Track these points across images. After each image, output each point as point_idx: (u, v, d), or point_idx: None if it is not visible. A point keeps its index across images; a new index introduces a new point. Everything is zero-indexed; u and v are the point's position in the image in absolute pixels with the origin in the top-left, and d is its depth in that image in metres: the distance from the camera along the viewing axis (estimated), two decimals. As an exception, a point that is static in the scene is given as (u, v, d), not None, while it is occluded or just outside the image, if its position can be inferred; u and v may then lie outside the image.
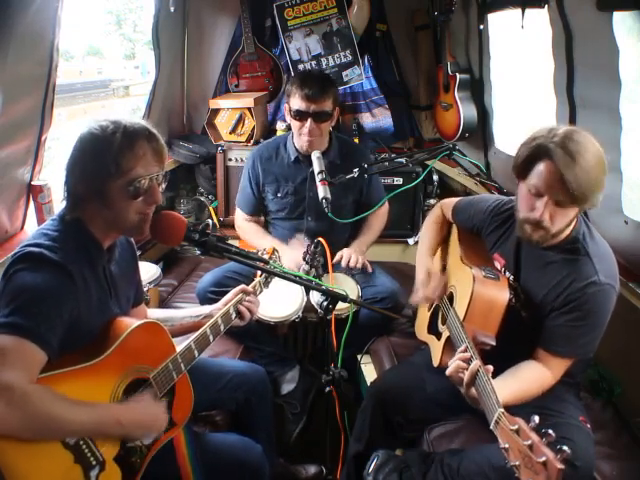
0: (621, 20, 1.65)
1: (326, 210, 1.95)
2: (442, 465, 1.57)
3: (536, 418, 1.08)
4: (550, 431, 1.04)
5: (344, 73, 3.32)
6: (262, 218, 2.66)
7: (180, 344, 1.50)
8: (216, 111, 3.20)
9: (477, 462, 1.51)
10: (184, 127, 3.43)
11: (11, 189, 1.98)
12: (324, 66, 3.30)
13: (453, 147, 2.14)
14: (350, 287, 2.24)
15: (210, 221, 3.15)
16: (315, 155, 2.14)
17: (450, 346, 1.61)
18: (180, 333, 1.68)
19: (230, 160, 3.15)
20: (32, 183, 2.09)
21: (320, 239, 1.87)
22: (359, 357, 2.33)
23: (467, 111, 2.85)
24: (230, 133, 3.21)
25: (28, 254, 1.24)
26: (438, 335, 1.76)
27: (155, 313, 1.76)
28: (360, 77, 3.34)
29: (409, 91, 3.43)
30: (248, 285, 1.78)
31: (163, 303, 2.55)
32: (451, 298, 1.73)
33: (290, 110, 2.37)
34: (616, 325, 1.51)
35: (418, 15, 3.24)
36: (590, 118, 1.92)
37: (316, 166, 2.08)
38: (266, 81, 3.37)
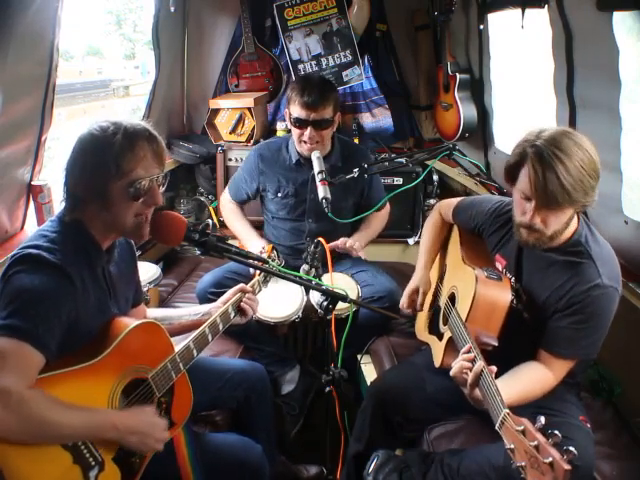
0: (621, 20, 1.65)
1: (326, 210, 1.95)
2: (442, 465, 1.57)
3: (542, 419, 1.08)
4: (556, 432, 1.04)
5: (344, 73, 3.31)
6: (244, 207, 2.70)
7: (179, 343, 1.50)
8: (216, 111, 3.20)
9: (477, 462, 1.51)
10: (184, 127, 3.43)
11: (11, 189, 1.98)
12: (324, 66, 3.30)
13: (453, 147, 2.14)
14: (350, 287, 2.24)
15: (210, 221, 3.15)
16: (315, 155, 2.14)
17: (452, 347, 1.61)
18: (179, 332, 1.68)
19: (230, 160, 3.15)
20: (32, 183, 2.09)
21: (320, 239, 1.87)
22: (359, 357, 2.33)
23: (467, 111, 2.85)
24: (230, 133, 3.21)
25: (26, 256, 1.23)
26: (439, 336, 1.76)
27: (154, 313, 1.76)
28: (360, 77, 3.33)
29: (409, 91, 3.43)
30: (247, 285, 1.79)
31: (163, 303, 2.55)
32: (453, 299, 1.73)
33: (290, 116, 2.36)
34: (616, 325, 1.51)
35: (418, 15, 3.24)
36: (590, 118, 1.92)
37: (316, 166, 2.08)
38: (266, 81, 3.37)
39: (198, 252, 3.08)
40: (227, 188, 2.69)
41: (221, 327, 1.63)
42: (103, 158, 1.29)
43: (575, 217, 1.53)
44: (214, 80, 3.40)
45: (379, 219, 2.63)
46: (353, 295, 2.20)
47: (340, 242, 2.34)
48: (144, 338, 1.38)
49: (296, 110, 2.31)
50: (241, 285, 1.76)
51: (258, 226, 2.68)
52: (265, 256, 1.75)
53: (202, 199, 3.31)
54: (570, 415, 1.55)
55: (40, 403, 1.12)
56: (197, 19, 3.23)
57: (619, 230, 1.86)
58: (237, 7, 3.18)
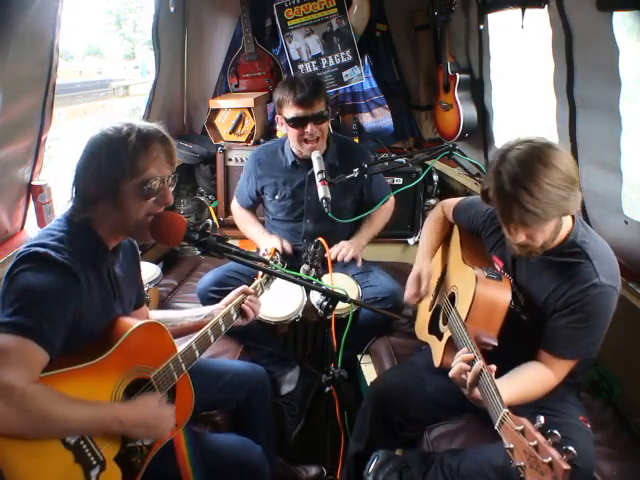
0: (621, 20, 1.65)
1: (326, 210, 1.95)
2: (442, 465, 1.57)
3: (541, 419, 1.08)
4: (556, 432, 1.04)
5: (344, 73, 3.31)
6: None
7: (181, 344, 1.50)
8: (216, 111, 3.20)
9: (477, 462, 1.51)
10: (184, 127, 3.43)
11: (11, 189, 1.98)
12: (324, 66, 3.30)
13: (453, 147, 2.14)
14: (350, 287, 2.24)
15: (210, 221, 3.15)
16: (315, 155, 2.13)
17: (452, 346, 1.61)
18: (182, 333, 1.69)
19: (230, 160, 3.15)
20: (32, 183, 2.09)
21: (320, 239, 1.87)
22: (359, 357, 2.33)
23: (467, 111, 2.85)
24: (230, 133, 3.21)
25: (33, 254, 1.24)
26: (439, 335, 1.76)
27: (157, 314, 1.77)
28: (360, 77, 3.33)
29: (409, 91, 3.44)
30: (249, 285, 1.79)
31: (163, 303, 2.55)
32: (453, 298, 1.73)
33: (285, 120, 2.35)
34: (616, 325, 1.51)
35: (418, 15, 3.24)
36: (590, 118, 1.92)
37: (316, 166, 2.08)
38: (266, 81, 3.37)
39: (198, 252, 3.08)
40: (234, 196, 2.73)
41: (223, 328, 1.64)
42: (118, 157, 1.31)
43: (569, 218, 1.53)
44: (214, 80, 3.40)
45: (381, 213, 2.61)
46: (353, 295, 2.20)
47: (332, 254, 2.35)
48: (147, 338, 1.38)
49: (291, 110, 2.30)
50: (244, 287, 1.76)
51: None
52: (267, 258, 1.75)
53: (202, 199, 3.31)
54: (570, 415, 1.55)
55: (43, 398, 1.13)
56: (197, 19, 3.23)
57: (619, 230, 1.86)
58: (237, 7, 3.18)
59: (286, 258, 2.42)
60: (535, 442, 1.05)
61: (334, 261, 2.37)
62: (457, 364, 1.43)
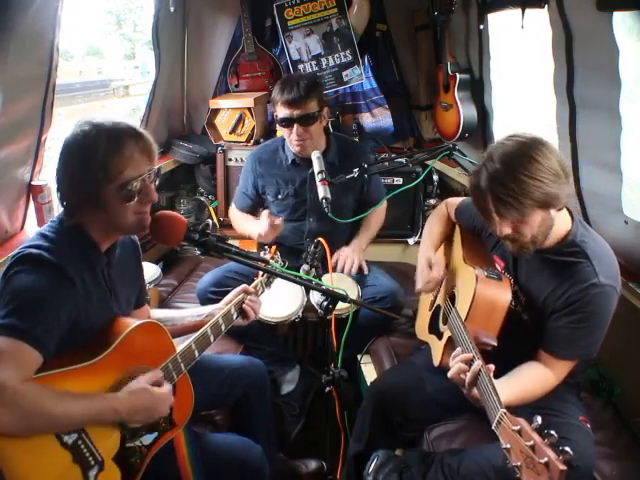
0: (621, 20, 1.65)
1: (326, 210, 1.95)
2: (442, 465, 1.57)
3: (539, 419, 1.08)
4: (552, 432, 1.04)
5: (344, 73, 3.31)
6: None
7: (181, 344, 1.50)
8: (216, 111, 3.20)
9: (477, 462, 1.51)
10: (184, 127, 3.42)
11: (11, 189, 1.98)
12: (324, 66, 3.30)
13: (453, 147, 2.14)
14: (350, 287, 2.24)
15: (210, 221, 3.14)
16: (315, 155, 2.13)
17: (451, 346, 1.60)
18: (181, 333, 1.68)
19: (230, 160, 3.15)
20: (32, 183, 2.08)
21: (320, 239, 1.87)
22: (359, 357, 2.33)
23: (467, 111, 2.85)
24: (230, 133, 3.21)
25: (27, 256, 1.24)
26: (439, 335, 1.76)
27: (157, 313, 1.76)
28: (360, 77, 3.33)
29: (409, 91, 3.43)
30: (249, 285, 1.78)
31: (163, 303, 2.55)
32: (453, 298, 1.72)
33: (277, 118, 2.35)
34: (616, 325, 1.50)
35: (418, 15, 3.24)
36: (590, 118, 1.92)
37: (316, 166, 2.07)
38: (266, 81, 3.36)
39: (198, 252, 3.08)
40: (232, 202, 2.69)
41: (223, 328, 1.64)
42: (89, 164, 1.27)
43: (568, 217, 1.53)
44: (214, 80, 3.39)
45: (377, 215, 2.61)
46: (353, 295, 2.20)
47: (337, 267, 2.37)
48: (145, 338, 1.38)
49: (280, 110, 2.30)
50: (244, 286, 1.76)
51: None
52: (268, 257, 1.75)
53: (202, 199, 3.31)
54: (570, 415, 1.55)
55: (35, 395, 1.12)
56: (197, 19, 3.22)
57: (619, 230, 1.86)
58: (237, 7, 3.18)
59: (289, 256, 2.42)
60: (532, 442, 1.05)
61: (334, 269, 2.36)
62: (455, 365, 1.43)
